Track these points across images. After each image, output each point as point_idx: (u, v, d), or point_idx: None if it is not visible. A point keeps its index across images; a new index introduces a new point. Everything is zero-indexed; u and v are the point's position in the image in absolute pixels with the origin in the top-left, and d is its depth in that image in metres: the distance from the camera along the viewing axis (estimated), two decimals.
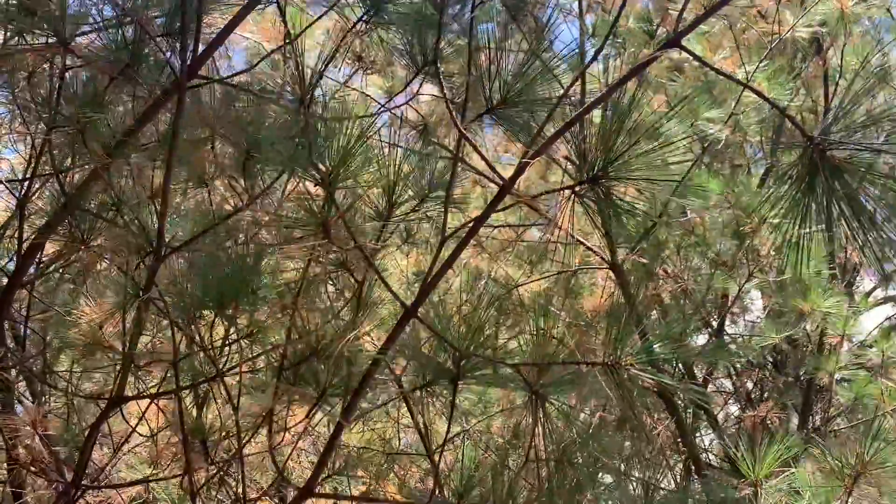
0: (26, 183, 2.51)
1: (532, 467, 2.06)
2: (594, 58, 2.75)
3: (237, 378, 2.17)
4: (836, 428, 4.47)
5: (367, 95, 3.31)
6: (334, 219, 1.71)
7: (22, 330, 2.85)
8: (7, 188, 2.88)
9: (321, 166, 1.71)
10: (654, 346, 2.05)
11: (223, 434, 2.32)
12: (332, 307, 1.86)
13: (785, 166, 1.55)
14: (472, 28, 2.11)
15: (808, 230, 3.83)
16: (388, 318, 1.96)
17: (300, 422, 1.99)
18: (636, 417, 2.79)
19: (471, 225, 1.80)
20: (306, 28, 2.39)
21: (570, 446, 1.91)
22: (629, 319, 1.91)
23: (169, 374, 2.50)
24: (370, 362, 1.81)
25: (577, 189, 1.83)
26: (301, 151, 1.77)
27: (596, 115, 3.45)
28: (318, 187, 1.77)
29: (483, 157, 1.78)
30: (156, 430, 2.50)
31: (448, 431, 1.95)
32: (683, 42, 1.80)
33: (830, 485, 2.62)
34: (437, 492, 1.99)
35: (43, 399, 2.78)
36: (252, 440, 2.21)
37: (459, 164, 2.06)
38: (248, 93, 2.27)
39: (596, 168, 1.82)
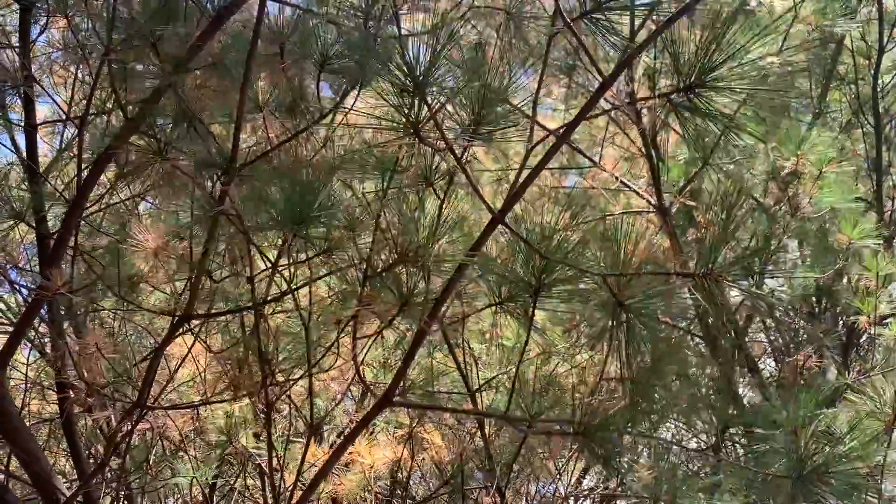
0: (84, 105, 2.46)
1: (607, 387, 2.02)
2: None
3: (307, 297, 2.15)
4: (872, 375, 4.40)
5: None
6: (425, 120, 1.66)
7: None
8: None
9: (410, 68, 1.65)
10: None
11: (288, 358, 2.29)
12: (415, 217, 1.82)
13: None
14: None
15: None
16: (472, 230, 1.91)
17: (376, 333, 1.95)
18: (728, 330, 2.73)
19: (563, 129, 1.74)
20: None
21: (654, 364, 1.87)
22: (722, 233, 1.86)
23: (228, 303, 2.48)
24: (456, 269, 1.76)
25: (672, 97, 1.77)
26: (386, 54, 1.71)
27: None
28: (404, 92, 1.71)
29: (584, 47, 1.71)
30: (215, 351, 2.48)
31: (525, 345, 1.91)
32: None
33: (870, 426, 2.56)
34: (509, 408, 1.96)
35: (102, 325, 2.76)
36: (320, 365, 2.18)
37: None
38: (309, 13, 2.21)
39: (692, 77, 1.75)
